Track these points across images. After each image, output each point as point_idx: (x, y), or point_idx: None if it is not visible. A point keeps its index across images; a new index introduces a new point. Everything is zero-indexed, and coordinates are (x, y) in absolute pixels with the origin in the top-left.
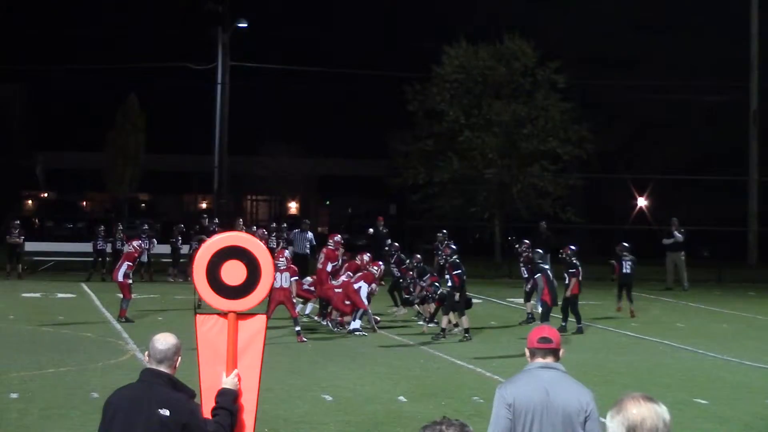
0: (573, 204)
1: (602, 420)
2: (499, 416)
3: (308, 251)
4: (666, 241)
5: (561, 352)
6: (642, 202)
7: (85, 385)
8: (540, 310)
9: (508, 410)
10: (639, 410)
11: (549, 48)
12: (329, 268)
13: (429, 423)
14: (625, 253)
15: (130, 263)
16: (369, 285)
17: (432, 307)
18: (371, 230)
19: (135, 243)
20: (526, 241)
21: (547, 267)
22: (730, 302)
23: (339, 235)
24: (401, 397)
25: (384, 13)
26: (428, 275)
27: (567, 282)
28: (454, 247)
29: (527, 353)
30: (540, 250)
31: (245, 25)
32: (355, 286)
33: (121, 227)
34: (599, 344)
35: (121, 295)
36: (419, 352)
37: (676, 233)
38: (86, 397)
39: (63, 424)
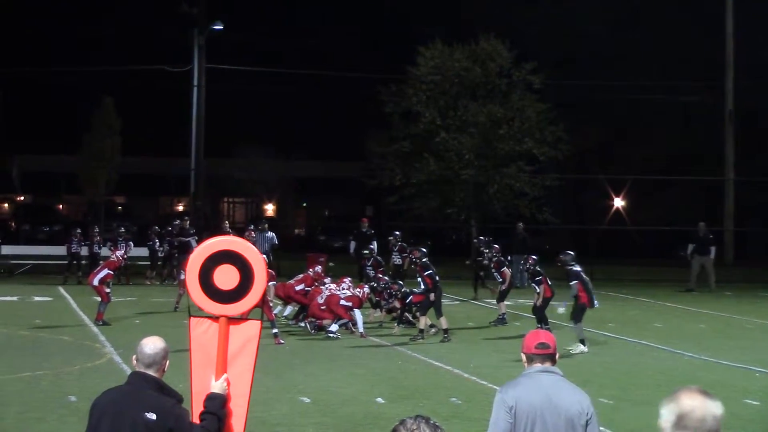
0: (549, 205)
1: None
2: (498, 419)
3: (269, 252)
4: (690, 247)
5: (557, 357)
6: (618, 202)
7: (62, 389)
8: (561, 310)
9: (508, 413)
10: (691, 401)
11: (524, 49)
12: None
13: (406, 419)
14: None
15: (110, 272)
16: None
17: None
18: (353, 243)
19: (119, 253)
20: (496, 246)
21: (579, 269)
22: (707, 302)
23: (320, 266)
24: (379, 399)
25: (359, 15)
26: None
27: (538, 290)
28: (424, 249)
29: (524, 358)
30: (571, 253)
31: (221, 27)
32: (342, 303)
33: (97, 230)
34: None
35: (98, 299)
36: (397, 353)
37: (699, 233)
38: (63, 400)
39: (40, 427)
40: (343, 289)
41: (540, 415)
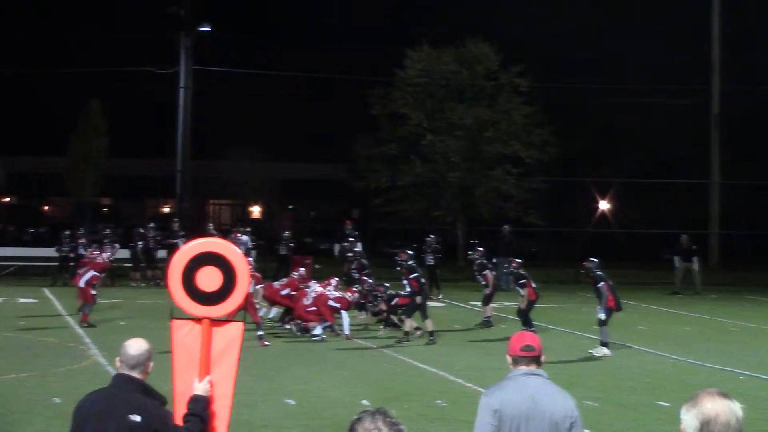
0: (536, 207)
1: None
2: (483, 422)
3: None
4: (676, 260)
5: (542, 359)
6: (604, 205)
7: (47, 391)
8: (602, 316)
9: (493, 417)
10: (714, 405)
11: (511, 52)
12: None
13: (363, 416)
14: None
15: (96, 273)
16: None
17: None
18: (338, 245)
19: (105, 255)
20: (480, 249)
21: (602, 274)
22: (692, 305)
23: (304, 269)
24: (365, 401)
25: (347, 17)
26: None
27: (522, 293)
28: (410, 252)
29: (509, 360)
30: (595, 260)
31: (208, 29)
32: (330, 303)
33: (81, 232)
34: (562, 347)
35: (82, 300)
36: (382, 355)
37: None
38: (48, 402)
39: (25, 429)
40: (330, 289)
41: (525, 418)
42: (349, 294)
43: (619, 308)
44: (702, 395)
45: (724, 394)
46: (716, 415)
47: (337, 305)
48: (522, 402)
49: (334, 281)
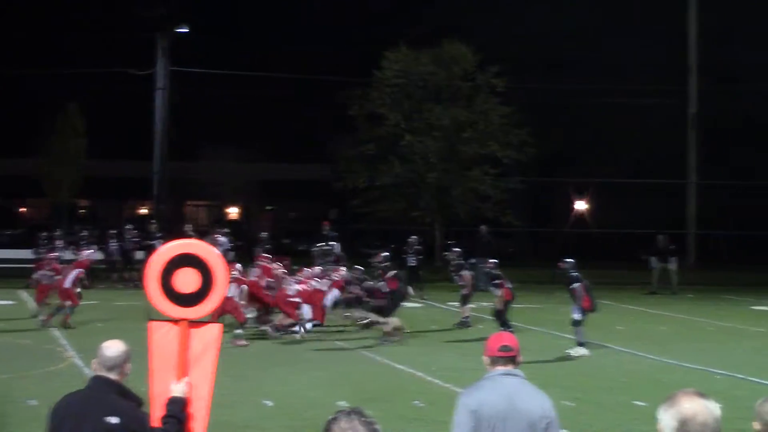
0: (513, 208)
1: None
2: (461, 422)
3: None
4: (653, 260)
5: (519, 359)
6: (581, 205)
7: (23, 393)
8: (576, 317)
9: (470, 417)
10: (691, 405)
11: (488, 52)
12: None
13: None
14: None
15: (81, 271)
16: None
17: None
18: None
19: (86, 253)
20: (456, 249)
21: (578, 274)
22: (668, 304)
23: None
24: (343, 402)
25: (324, 18)
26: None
27: (497, 294)
28: (387, 253)
29: (486, 360)
30: (571, 260)
31: (185, 30)
32: (329, 296)
33: (58, 233)
34: (539, 347)
35: (67, 303)
36: (360, 356)
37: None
38: (24, 404)
39: (0, 431)
40: (292, 284)
41: (502, 419)
42: (336, 275)
43: (593, 309)
44: (679, 395)
45: (702, 394)
46: (694, 415)
47: (298, 300)
48: (499, 402)
49: (306, 271)
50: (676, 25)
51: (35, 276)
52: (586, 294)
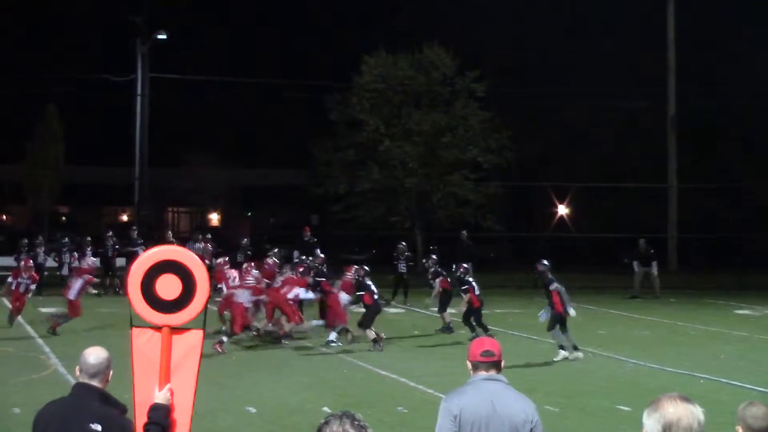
0: (494, 212)
1: None
2: (443, 428)
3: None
4: (635, 264)
5: (502, 364)
6: (562, 209)
7: (6, 401)
8: (542, 319)
9: (453, 422)
10: (675, 409)
11: (467, 57)
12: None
13: (331, 420)
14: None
15: (89, 278)
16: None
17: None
18: (296, 252)
19: (89, 260)
20: (434, 257)
21: (553, 278)
22: (651, 309)
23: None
24: (325, 408)
25: (303, 23)
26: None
27: (464, 298)
28: (366, 268)
29: (469, 365)
30: (546, 263)
31: (164, 36)
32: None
33: (39, 240)
34: (521, 352)
35: (65, 311)
36: (343, 362)
37: (641, 249)
38: (8, 412)
39: None
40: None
41: (485, 424)
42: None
43: (566, 313)
44: (663, 399)
45: (686, 398)
46: (678, 419)
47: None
48: (481, 407)
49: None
50: (655, 28)
51: (9, 281)
52: (559, 297)
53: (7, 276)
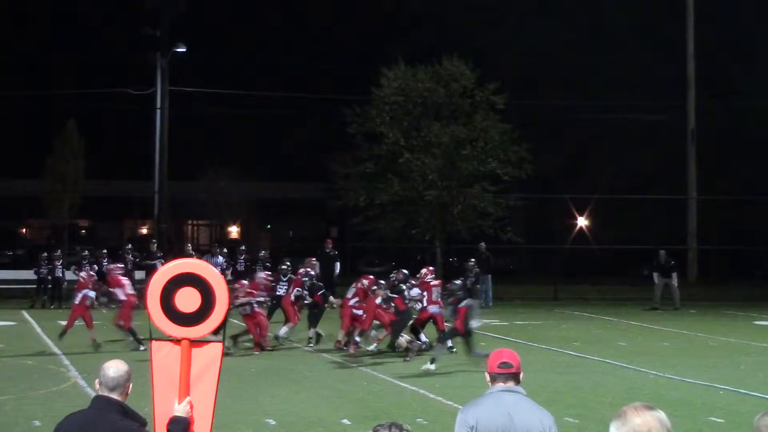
0: (513, 224)
1: None
2: None
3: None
4: (655, 276)
5: (521, 376)
6: (582, 221)
7: (26, 413)
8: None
9: None
10: (644, 419)
11: (487, 69)
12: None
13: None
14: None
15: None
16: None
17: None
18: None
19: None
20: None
21: (465, 295)
22: (671, 320)
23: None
24: (345, 420)
25: (323, 36)
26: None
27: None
28: (405, 271)
29: (487, 377)
30: (458, 282)
31: (183, 49)
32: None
33: (58, 254)
34: (541, 364)
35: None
36: (362, 374)
37: (661, 260)
38: (28, 425)
39: None
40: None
41: None
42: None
43: (467, 333)
44: (628, 411)
45: (650, 407)
46: (648, 430)
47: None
48: (498, 418)
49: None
50: (676, 41)
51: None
52: (462, 317)
53: (26, 288)
